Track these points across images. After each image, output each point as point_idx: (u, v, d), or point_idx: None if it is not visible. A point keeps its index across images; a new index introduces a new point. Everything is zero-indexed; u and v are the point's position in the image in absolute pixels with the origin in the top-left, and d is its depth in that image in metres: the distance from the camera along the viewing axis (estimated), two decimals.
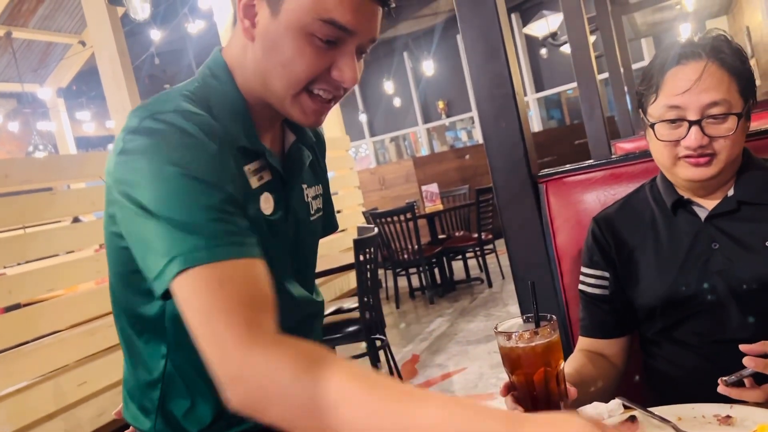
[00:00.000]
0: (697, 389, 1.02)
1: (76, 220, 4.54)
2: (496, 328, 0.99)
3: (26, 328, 3.26)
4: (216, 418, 0.90)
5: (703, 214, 1.14)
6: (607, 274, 1.24)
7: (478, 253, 6.02)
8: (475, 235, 5.94)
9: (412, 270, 6.09)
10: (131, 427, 1.02)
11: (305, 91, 0.83)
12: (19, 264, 4.62)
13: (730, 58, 1.08)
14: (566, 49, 7.69)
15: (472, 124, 12.98)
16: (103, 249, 4.40)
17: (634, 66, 7.19)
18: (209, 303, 0.67)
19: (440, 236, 6.35)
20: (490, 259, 6.25)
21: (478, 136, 12.43)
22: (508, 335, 0.97)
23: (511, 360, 0.97)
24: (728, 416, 0.93)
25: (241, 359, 0.65)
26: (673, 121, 1.09)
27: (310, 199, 1.00)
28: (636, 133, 4.82)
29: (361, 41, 0.82)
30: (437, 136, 13.61)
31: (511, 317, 1.00)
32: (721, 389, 0.93)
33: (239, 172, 0.84)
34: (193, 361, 0.78)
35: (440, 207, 6.11)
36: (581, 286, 1.29)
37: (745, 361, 0.91)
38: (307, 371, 0.64)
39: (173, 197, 0.71)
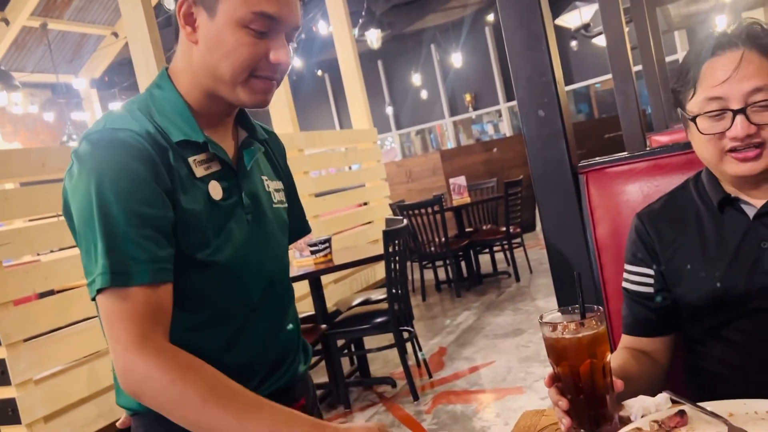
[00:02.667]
0: (744, 389, 0.99)
1: None
2: (541, 318, 0.98)
3: (60, 314, 3.32)
4: None
5: (751, 212, 1.10)
6: (651, 272, 1.21)
7: (506, 246, 5.98)
8: (503, 229, 5.89)
9: (439, 263, 6.07)
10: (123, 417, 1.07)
11: (251, 76, 0.97)
12: (53, 251, 4.71)
13: None
14: (598, 41, 7.59)
15: (499, 117, 12.87)
16: None
17: (668, 59, 7.05)
18: (115, 315, 0.87)
19: (467, 229, 6.32)
20: (518, 253, 6.20)
21: (505, 130, 12.33)
22: (554, 326, 0.96)
23: (557, 351, 0.96)
24: None
25: (128, 361, 0.86)
26: (716, 114, 1.05)
27: (271, 189, 1.12)
28: (670, 127, 4.74)
29: (286, 29, 0.99)
30: (463, 129, 13.53)
31: (539, 311, 0.99)
32: None
33: (178, 164, 0.96)
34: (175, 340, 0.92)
35: (468, 200, 6.07)
36: (624, 284, 1.26)
37: None
38: (177, 379, 0.84)
39: (99, 222, 0.87)
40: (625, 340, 1.23)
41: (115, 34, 7.61)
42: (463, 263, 6.14)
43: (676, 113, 1.18)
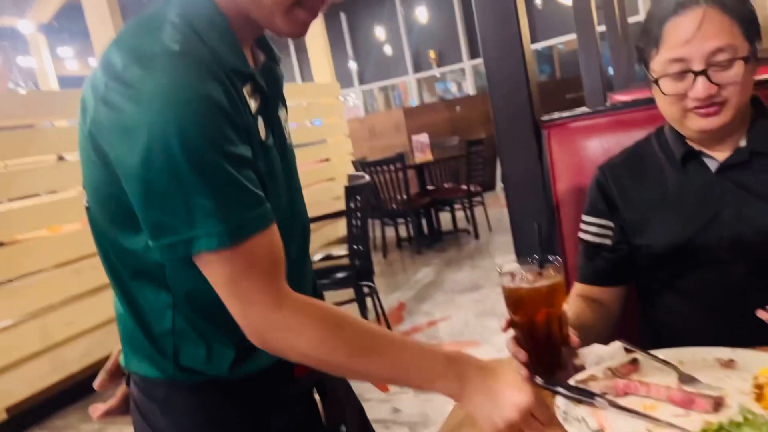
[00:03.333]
0: (695, 338, 1.02)
1: (60, 158, 4.45)
2: (500, 268, 0.98)
3: (11, 267, 3.23)
4: (237, 360, 0.87)
5: (713, 166, 1.12)
6: (611, 224, 1.22)
7: (467, 204, 6.03)
8: (464, 187, 5.93)
9: (400, 220, 6.09)
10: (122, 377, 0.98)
11: (295, 5, 0.81)
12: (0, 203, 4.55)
13: (730, 1, 1.04)
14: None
15: (463, 76, 12.81)
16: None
17: (630, 19, 7.07)
18: (241, 274, 0.75)
19: (429, 187, 6.33)
20: (478, 211, 6.26)
21: (469, 89, 12.29)
22: (513, 275, 0.96)
23: (514, 301, 0.96)
24: (731, 360, 0.93)
25: (270, 321, 0.77)
26: (678, 74, 1.05)
27: (283, 122, 0.95)
28: (630, 87, 4.78)
29: None
30: (427, 87, 13.43)
31: (497, 269, 0.99)
32: (764, 316, 0.93)
33: (241, 99, 0.79)
34: (205, 310, 0.83)
35: (430, 158, 6.07)
36: (582, 234, 1.27)
37: None
38: (328, 337, 0.79)
39: (191, 168, 0.69)
40: (579, 288, 1.25)
41: None
42: (424, 221, 6.17)
43: (637, 74, 1.19)
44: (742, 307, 1.00)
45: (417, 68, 13.08)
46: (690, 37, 1.03)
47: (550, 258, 0.97)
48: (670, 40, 1.06)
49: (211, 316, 0.84)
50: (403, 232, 6.26)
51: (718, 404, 0.81)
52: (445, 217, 6.55)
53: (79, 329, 3.54)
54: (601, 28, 4.85)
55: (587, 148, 1.48)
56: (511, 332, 0.98)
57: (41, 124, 3.99)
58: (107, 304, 3.57)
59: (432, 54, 12.69)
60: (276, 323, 0.77)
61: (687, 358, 0.96)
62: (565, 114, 1.55)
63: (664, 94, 1.08)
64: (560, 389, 0.92)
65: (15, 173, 3.46)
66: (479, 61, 12.07)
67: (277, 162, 0.88)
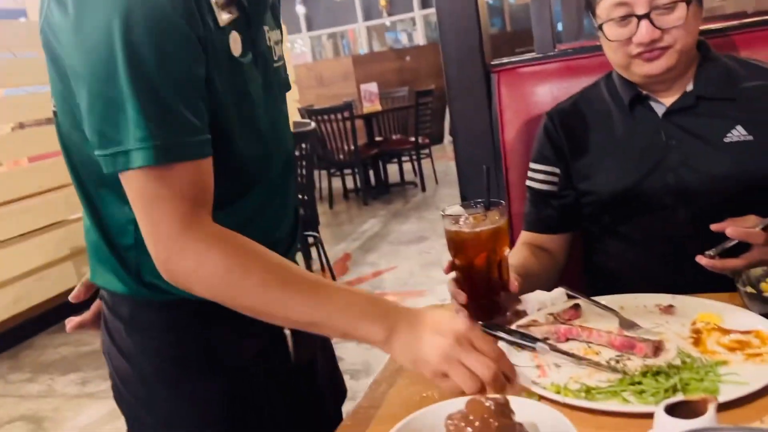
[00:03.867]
0: (639, 284, 1.02)
1: None
2: (443, 211, 0.95)
3: None
4: None
5: (660, 110, 1.11)
6: (557, 170, 1.21)
7: (414, 157, 6.01)
8: (412, 139, 5.89)
9: (347, 171, 6.03)
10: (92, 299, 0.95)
11: None
12: None
13: None
14: None
15: (414, 27, 12.62)
16: (19, 130, 4.09)
17: None
18: (157, 197, 0.72)
19: (377, 138, 6.26)
20: (426, 163, 6.26)
21: (419, 39, 12.13)
22: (455, 218, 0.94)
23: (456, 244, 0.94)
24: (670, 305, 0.94)
25: (176, 249, 0.73)
26: (621, 19, 1.04)
27: (272, 43, 0.89)
28: (579, 39, 4.78)
29: None
30: (377, 36, 13.18)
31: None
32: (705, 262, 0.94)
33: (207, 6, 0.75)
34: None
35: (378, 108, 5.99)
36: (528, 182, 1.26)
37: (729, 232, 0.92)
38: (236, 265, 0.74)
39: (132, 79, 0.68)
40: (525, 236, 1.25)
41: None
42: (371, 172, 6.13)
43: (586, 28, 1.16)
44: (684, 254, 1.00)
45: (367, 16, 12.79)
46: None
47: (496, 201, 0.95)
48: None
49: None
50: (350, 183, 6.21)
51: (657, 348, 0.82)
52: (392, 169, 6.52)
53: (6, 276, 3.39)
54: None
55: (536, 94, 1.46)
56: (453, 275, 0.97)
57: None
58: (35, 251, 3.44)
59: (382, 1, 12.41)
60: (180, 250, 0.73)
61: (628, 303, 0.96)
62: (515, 58, 1.52)
63: (609, 40, 1.07)
64: (502, 334, 0.91)
65: None
66: (430, 10, 11.90)
67: (254, 81, 0.83)
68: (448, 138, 8.78)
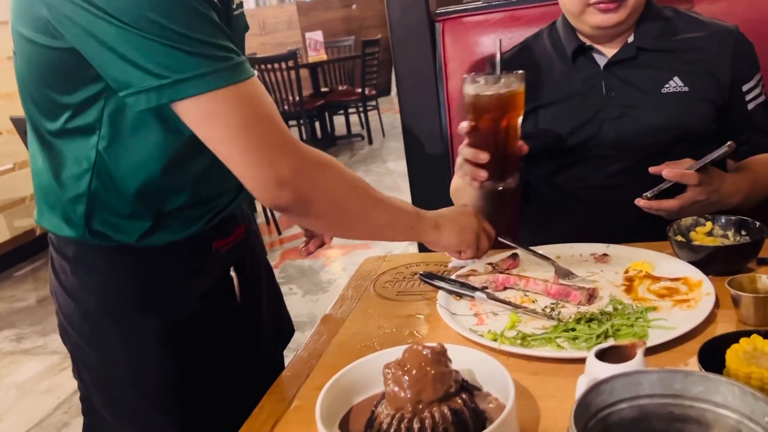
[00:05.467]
0: (572, 233, 1.04)
1: None
2: (465, 78, 0.98)
3: None
4: (149, 231, 0.84)
5: (602, 62, 1.12)
6: None
7: (361, 109, 5.93)
8: (359, 90, 5.80)
9: (292, 122, 5.90)
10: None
11: None
12: None
13: None
14: None
15: None
16: None
17: None
18: (247, 120, 0.70)
19: (323, 89, 6.14)
20: (372, 115, 6.19)
21: None
22: (484, 79, 0.96)
23: (481, 106, 0.97)
24: (605, 254, 0.97)
25: (287, 169, 0.72)
26: None
27: None
28: None
29: None
30: None
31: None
32: (642, 203, 0.97)
33: None
34: (132, 178, 0.80)
35: (324, 57, 5.85)
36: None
37: (665, 173, 0.95)
38: (344, 175, 0.81)
39: (172, 14, 0.66)
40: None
41: None
42: (317, 124, 6.03)
43: None
44: (619, 203, 1.03)
45: None
46: None
47: (513, 71, 0.98)
48: None
49: (137, 187, 0.81)
50: (295, 135, 6.10)
51: (591, 296, 0.84)
52: (338, 121, 6.44)
53: None
54: None
55: (481, 44, 1.44)
56: (465, 141, 1.00)
57: None
58: None
59: None
60: (303, 164, 0.74)
61: (564, 253, 0.99)
62: (460, 7, 1.49)
63: None
64: (442, 284, 0.92)
65: None
66: None
67: (236, 29, 0.83)
68: (395, 90, 8.68)
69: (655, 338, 0.73)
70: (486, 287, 0.91)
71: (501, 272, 0.94)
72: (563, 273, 0.91)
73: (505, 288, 0.91)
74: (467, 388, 0.61)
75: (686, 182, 0.94)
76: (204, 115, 0.70)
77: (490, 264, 0.98)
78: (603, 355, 0.61)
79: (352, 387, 0.66)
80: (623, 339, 0.73)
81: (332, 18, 7.97)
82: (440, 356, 0.59)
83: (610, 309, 0.81)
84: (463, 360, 0.64)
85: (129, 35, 0.67)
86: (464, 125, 0.98)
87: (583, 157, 1.11)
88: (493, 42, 1.43)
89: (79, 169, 0.81)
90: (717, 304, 0.79)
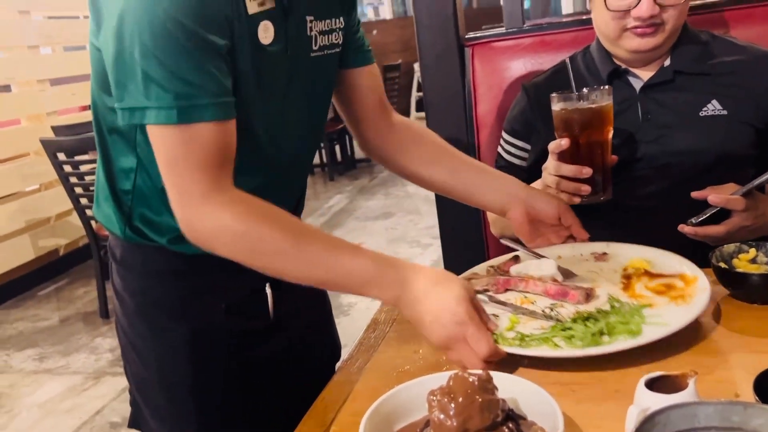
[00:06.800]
0: None
1: None
2: (552, 96, 1.01)
3: None
4: (180, 236, 0.84)
5: (638, 85, 1.12)
6: (527, 146, 1.21)
7: None
8: None
9: None
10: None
11: None
12: None
13: None
14: None
15: (380, 1, 12.47)
16: None
17: None
18: (181, 158, 0.75)
19: None
20: None
21: (386, 14, 12.01)
22: (583, 95, 0.99)
23: (582, 121, 0.99)
24: (604, 253, 0.97)
25: (199, 213, 0.76)
26: None
27: (314, 32, 0.91)
28: (544, 17, 4.79)
29: None
30: None
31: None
32: (687, 230, 0.96)
33: None
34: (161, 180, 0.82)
35: None
36: (500, 150, 1.27)
37: (711, 198, 0.94)
38: (252, 228, 0.77)
39: (157, 43, 0.71)
40: None
41: None
42: (337, 147, 6.07)
43: (552, 8, 1.15)
44: (656, 227, 1.01)
45: None
46: None
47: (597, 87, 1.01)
48: None
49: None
50: (315, 158, 6.14)
51: (588, 295, 0.84)
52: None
53: None
54: None
55: (510, 69, 1.45)
56: (551, 158, 1.02)
57: None
58: None
59: None
60: (202, 213, 0.76)
61: (565, 253, 0.99)
62: (488, 32, 1.50)
63: (609, 9, 1.06)
64: None
65: None
66: None
67: (279, 67, 0.86)
68: (414, 113, 8.74)
69: (649, 335, 0.74)
70: (487, 290, 0.91)
71: (502, 274, 0.94)
72: (564, 273, 0.91)
73: (506, 290, 0.91)
74: (513, 417, 0.60)
75: (732, 208, 0.93)
76: (152, 143, 0.77)
77: (492, 267, 0.98)
78: (653, 385, 0.59)
79: (393, 414, 0.65)
80: (618, 336, 0.75)
81: None
82: (487, 384, 0.58)
83: (607, 307, 0.81)
84: (508, 388, 0.63)
85: (121, 56, 0.73)
86: (562, 142, 0.98)
87: (618, 180, 1.10)
88: (522, 66, 1.44)
89: (127, 166, 0.86)
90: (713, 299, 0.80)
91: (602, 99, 0.99)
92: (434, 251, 3.48)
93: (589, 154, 0.99)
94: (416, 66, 8.52)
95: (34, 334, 3.20)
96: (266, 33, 0.82)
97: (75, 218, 3.29)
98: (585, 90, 1.01)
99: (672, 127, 1.07)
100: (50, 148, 2.93)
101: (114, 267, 0.95)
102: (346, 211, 4.72)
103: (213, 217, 0.76)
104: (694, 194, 0.96)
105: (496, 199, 1.01)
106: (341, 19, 0.96)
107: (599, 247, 0.98)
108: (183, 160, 0.75)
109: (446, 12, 1.46)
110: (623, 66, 1.12)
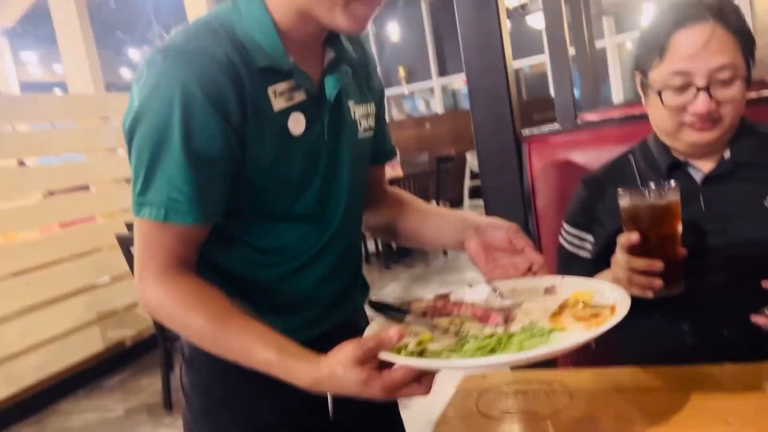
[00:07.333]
0: (670, 349, 1.02)
1: (21, 163, 4.31)
2: (620, 191, 1.03)
3: None
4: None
5: (699, 177, 1.13)
6: (590, 238, 1.22)
7: None
8: (433, 203, 5.94)
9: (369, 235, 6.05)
10: None
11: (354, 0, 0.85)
12: None
13: (735, 20, 1.06)
14: (533, 22, 7.69)
15: (431, 95, 12.93)
16: (50, 197, 4.20)
17: (597, 43, 7.23)
18: (148, 243, 0.87)
19: None
20: None
21: (437, 107, 12.40)
22: (658, 191, 1.01)
23: (657, 216, 1.01)
24: (553, 286, 0.93)
25: (148, 288, 0.87)
26: (680, 87, 1.06)
27: (357, 117, 0.99)
28: (598, 108, 4.87)
29: None
30: (395, 104, 13.51)
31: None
32: (763, 321, 0.95)
33: (257, 95, 0.86)
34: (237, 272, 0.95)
35: (400, 173, 6.06)
36: (562, 241, 1.27)
37: None
38: (182, 308, 0.86)
39: (154, 146, 0.82)
40: None
41: None
42: None
43: (603, 96, 1.20)
44: (719, 318, 1.00)
45: (386, 84, 13.12)
46: (697, 51, 1.04)
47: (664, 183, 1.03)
48: (675, 51, 1.06)
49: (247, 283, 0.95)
50: (371, 247, 6.23)
51: (507, 318, 0.84)
52: None
53: (34, 341, 3.41)
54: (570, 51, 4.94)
55: (568, 163, 1.49)
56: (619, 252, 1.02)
57: (2, 129, 3.86)
58: (63, 315, 3.46)
59: (402, 71, 12.78)
60: (148, 290, 0.87)
61: (521, 286, 0.95)
62: (545, 128, 1.56)
63: (665, 105, 1.08)
64: (382, 313, 0.93)
65: None
66: (448, 79, 12.20)
67: (314, 157, 0.93)
68: (468, 201, 8.82)
69: (533, 352, 0.73)
70: (426, 313, 0.91)
71: (441, 297, 0.95)
72: (499, 297, 0.91)
73: (442, 314, 0.90)
74: None
75: None
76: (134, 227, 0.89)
77: (438, 294, 0.98)
78: None
79: None
80: (505, 350, 0.75)
81: (407, 137, 8.35)
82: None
83: (518, 329, 0.80)
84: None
85: (129, 152, 0.86)
86: (633, 237, 0.99)
87: (685, 271, 1.10)
88: (579, 160, 1.48)
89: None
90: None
91: (670, 195, 1.00)
92: None
93: (659, 248, 1.00)
94: (468, 155, 8.70)
95: (101, 425, 3.26)
96: (297, 124, 0.90)
97: (141, 310, 3.40)
98: (652, 185, 1.02)
99: (736, 218, 1.08)
100: (124, 243, 3.10)
101: (183, 366, 0.99)
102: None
103: (154, 295, 0.87)
104: (765, 283, 0.95)
105: (454, 236, 1.03)
106: (373, 104, 1.05)
107: (552, 281, 0.95)
108: (140, 247, 0.87)
109: (503, 111, 1.53)
110: (682, 158, 1.14)
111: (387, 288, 5.13)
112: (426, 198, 6.44)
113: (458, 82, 11.92)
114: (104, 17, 7.92)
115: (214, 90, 0.82)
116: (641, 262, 0.98)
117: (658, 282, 0.98)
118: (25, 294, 3.40)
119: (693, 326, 1.10)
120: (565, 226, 1.27)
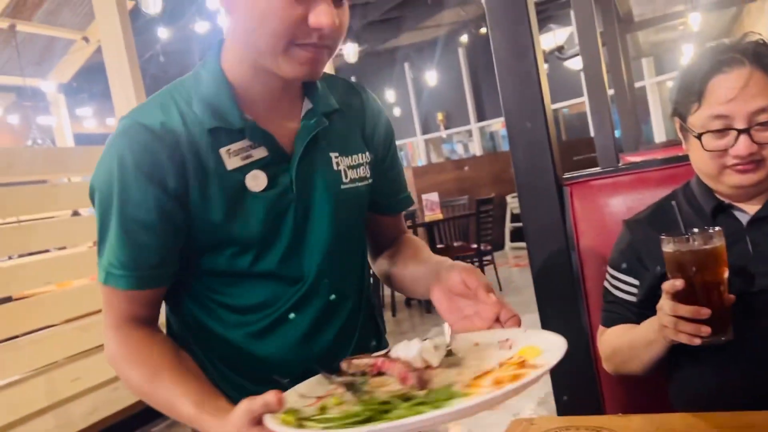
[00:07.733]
0: (719, 398, 0.99)
1: (75, 213, 4.48)
2: (663, 237, 1.02)
3: (18, 322, 3.19)
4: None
5: (744, 219, 1.12)
6: (636, 282, 1.21)
7: (477, 263, 6.00)
8: (474, 246, 5.91)
9: None
10: None
11: (293, 45, 0.85)
12: (10, 258, 4.56)
13: None
14: (570, 64, 7.73)
15: (470, 137, 13.01)
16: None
17: (636, 84, 7.21)
18: (105, 301, 0.94)
19: (438, 246, 6.32)
20: (488, 270, 6.22)
21: (475, 149, 12.45)
22: (706, 236, 0.99)
23: (703, 262, 0.99)
24: (507, 340, 0.84)
25: (105, 339, 0.95)
26: (720, 131, 1.07)
27: (343, 167, 0.99)
28: (639, 149, 4.83)
29: None
30: (434, 148, 13.62)
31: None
32: None
33: (206, 157, 0.89)
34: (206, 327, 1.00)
35: (440, 216, 6.09)
36: (607, 285, 1.26)
37: None
38: (123, 362, 0.93)
39: (98, 217, 0.91)
40: (604, 331, 1.26)
41: (86, 39, 7.46)
42: None
43: (645, 136, 1.20)
44: (757, 358, 0.98)
45: (425, 129, 13.30)
46: (735, 95, 1.05)
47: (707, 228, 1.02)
48: (713, 96, 1.08)
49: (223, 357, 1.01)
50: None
51: (423, 381, 0.77)
52: None
53: (85, 386, 3.48)
54: (609, 92, 4.95)
55: (610, 205, 1.49)
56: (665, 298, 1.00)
57: (57, 180, 4.04)
58: None
59: (440, 116, 12.93)
60: (105, 347, 0.95)
61: (482, 339, 0.87)
62: (586, 172, 1.56)
63: (705, 149, 1.09)
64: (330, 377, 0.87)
65: (27, 228, 3.48)
66: (486, 123, 12.29)
67: (281, 211, 0.94)
68: (509, 244, 8.75)
69: (410, 420, 0.65)
70: (365, 372, 0.85)
71: (384, 354, 0.87)
72: (428, 356, 0.83)
73: (379, 373, 0.84)
74: None
75: None
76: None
77: (382, 352, 0.90)
78: None
79: None
80: (384, 419, 0.68)
81: (446, 179, 8.38)
82: None
83: (422, 393, 0.74)
84: None
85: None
86: (677, 283, 0.98)
87: (733, 315, 1.08)
88: (622, 203, 1.48)
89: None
90: None
91: (715, 240, 0.99)
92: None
93: (705, 294, 0.99)
94: (509, 198, 8.68)
95: None
96: (256, 181, 0.91)
97: None
98: (696, 230, 1.01)
99: None
100: None
101: None
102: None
103: (108, 347, 0.94)
104: None
105: (425, 285, 0.96)
106: (366, 153, 1.03)
107: (510, 333, 0.86)
108: (105, 302, 0.94)
109: (543, 155, 1.54)
110: (726, 201, 1.14)
111: (429, 332, 5.08)
112: (466, 240, 6.43)
113: (497, 125, 11.99)
114: (153, 71, 8.29)
115: (148, 160, 0.86)
116: (687, 309, 0.97)
117: (705, 329, 0.96)
118: (77, 339, 3.50)
119: (742, 373, 1.07)
120: (610, 270, 1.27)
